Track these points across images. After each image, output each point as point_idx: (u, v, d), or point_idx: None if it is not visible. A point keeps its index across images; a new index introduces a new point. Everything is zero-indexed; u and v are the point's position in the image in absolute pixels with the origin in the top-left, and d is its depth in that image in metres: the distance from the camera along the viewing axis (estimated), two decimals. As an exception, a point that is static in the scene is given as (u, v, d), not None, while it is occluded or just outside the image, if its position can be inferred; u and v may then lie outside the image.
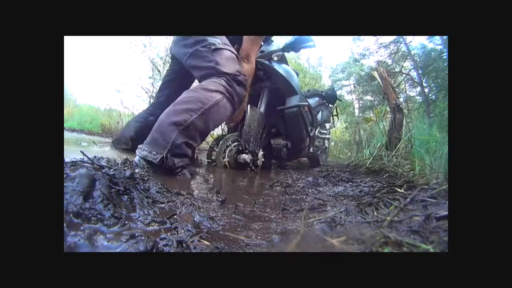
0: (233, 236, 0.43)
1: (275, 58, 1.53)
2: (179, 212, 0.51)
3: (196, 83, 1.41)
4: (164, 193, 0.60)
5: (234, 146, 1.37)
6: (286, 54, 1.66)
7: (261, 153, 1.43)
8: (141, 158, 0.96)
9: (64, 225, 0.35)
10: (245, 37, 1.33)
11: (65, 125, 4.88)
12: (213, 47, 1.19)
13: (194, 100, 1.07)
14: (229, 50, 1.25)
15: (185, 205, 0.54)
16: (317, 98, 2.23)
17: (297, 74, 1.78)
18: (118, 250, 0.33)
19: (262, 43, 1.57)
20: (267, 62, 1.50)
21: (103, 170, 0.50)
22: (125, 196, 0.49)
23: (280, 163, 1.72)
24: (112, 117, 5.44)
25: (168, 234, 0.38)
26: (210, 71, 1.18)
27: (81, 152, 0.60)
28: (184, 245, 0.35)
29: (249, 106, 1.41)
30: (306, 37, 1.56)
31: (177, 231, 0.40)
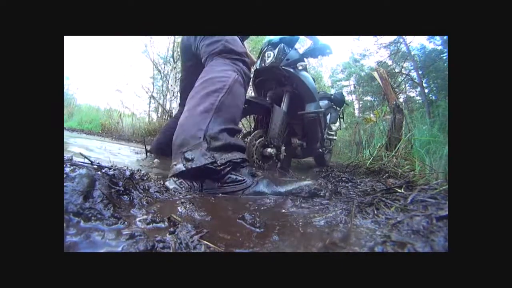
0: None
1: (300, 68, 1.67)
2: (180, 212, 0.51)
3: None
4: (164, 193, 0.60)
5: (259, 142, 1.48)
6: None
7: (283, 147, 1.54)
8: (172, 176, 0.73)
9: (64, 224, 0.35)
10: None
11: (65, 125, 4.88)
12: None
13: (213, 81, 0.91)
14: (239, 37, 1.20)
15: (186, 205, 0.54)
16: (326, 101, 2.36)
17: (314, 80, 1.95)
18: (117, 250, 0.33)
19: (289, 50, 1.68)
20: (292, 71, 1.62)
21: (103, 170, 0.50)
22: (125, 196, 0.49)
23: (282, 165, 1.79)
24: (113, 117, 5.46)
25: (168, 234, 0.38)
26: (218, 47, 1.07)
27: (81, 154, 0.60)
28: (184, 245, 0.35)
29: (274, 105, 1.52)
30: (324, 44, 1.70)
31: (177, 231, 0.40)
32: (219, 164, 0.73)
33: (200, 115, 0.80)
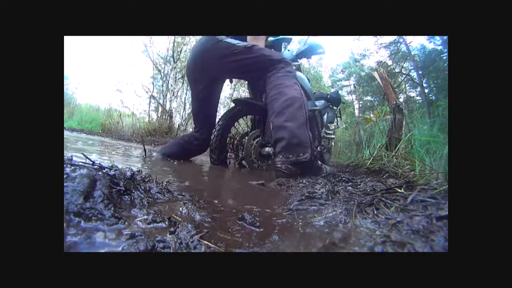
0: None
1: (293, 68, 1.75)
2: (180, 212, 0.51)
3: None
4: (165, 193, 0.60)
5: (257, 142, 1.56)
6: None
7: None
8: (290, 165, 1.11)
9: (65, 224, 0.35)
10: (248, 37, 1.48)
11: (65, 125, 4.89)
12: (248, 45, 1.38)
13: (295, 99, 1.25)
14: (255, 44, 1.42)
15: (186, 205, 0.54)
16: (323, 101, 2.43)
17: (309, 80, 2.02)
18: (118, 250, 0.33)
19: (283, 50, 1.82)
20: None
21: (104, 171, 0.50)
22: (126, 196, 0.49)
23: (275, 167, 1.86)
24: (113, 117, 5.46)
25: (168, 234, 0.38)
26: (265, 64, 1.37)
27: (83, 154, 0.60)
28: (184, 245, 0.35)
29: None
30: (317, 44, 1.76)
31: (177, 231, 0.40)
32: (316, 160, 1.24)
33: (301, 127, 1.19)
